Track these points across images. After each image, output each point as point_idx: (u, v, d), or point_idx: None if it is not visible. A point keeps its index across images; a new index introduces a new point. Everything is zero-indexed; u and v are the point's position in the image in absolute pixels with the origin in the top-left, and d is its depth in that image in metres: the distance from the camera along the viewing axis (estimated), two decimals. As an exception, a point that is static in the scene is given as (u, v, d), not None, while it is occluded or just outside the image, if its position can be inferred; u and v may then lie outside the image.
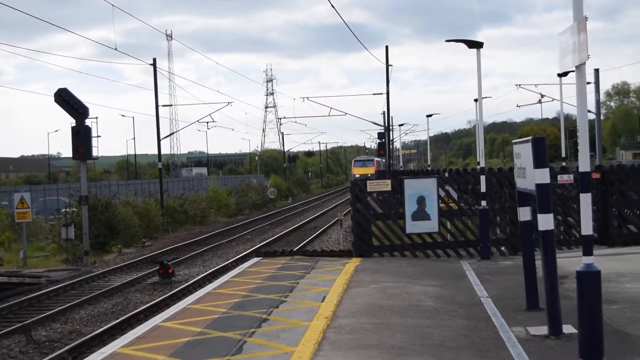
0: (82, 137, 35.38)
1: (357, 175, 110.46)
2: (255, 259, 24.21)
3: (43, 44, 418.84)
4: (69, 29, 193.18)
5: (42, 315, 22.58)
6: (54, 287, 28.04)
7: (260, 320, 14.26)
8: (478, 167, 25.66)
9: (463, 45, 23.48)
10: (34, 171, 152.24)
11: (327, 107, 69.96)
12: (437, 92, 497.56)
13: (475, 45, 23.21)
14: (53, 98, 35.32)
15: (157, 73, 57.67)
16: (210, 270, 30.82)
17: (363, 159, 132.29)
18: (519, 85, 66.13)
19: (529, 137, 12.96)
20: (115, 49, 48.39)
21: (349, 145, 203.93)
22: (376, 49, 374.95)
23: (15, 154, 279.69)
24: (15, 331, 20.65)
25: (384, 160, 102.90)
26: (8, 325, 21.93)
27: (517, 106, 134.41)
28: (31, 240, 43.38)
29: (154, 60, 57.70)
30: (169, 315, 15.31)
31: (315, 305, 15.60)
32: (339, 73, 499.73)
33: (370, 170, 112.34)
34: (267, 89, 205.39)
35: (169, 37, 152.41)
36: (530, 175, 12.96)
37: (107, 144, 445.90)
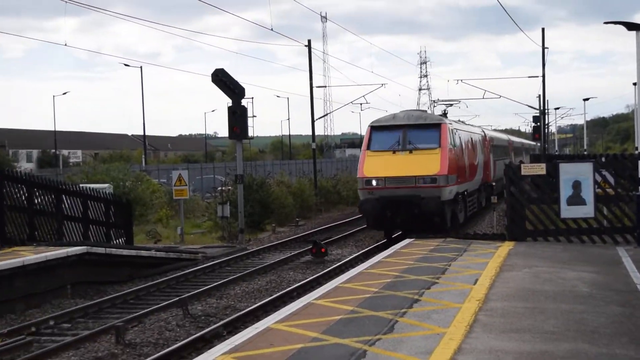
0: (238, 117, 35.95)
1: (370, 181, 32.44)
2: (407, 240, 24.25)
3: (199, 26, 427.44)
4: (225, 11, 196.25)
5: (198, 290, 23.16)
6: (210, 263, 28.72)
7: (412, 301, 14.31)
8: (636, 152, 25.04)
9: (621, 28, 22.93)
10: (192, 150, 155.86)
11: (480, 90, 68.74)
12: (594, 76, 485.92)
13: (635, 27, 22.65)
14: (210, 78, 36.00)
15: (312, 54, 58.24)
16: (362, 251, 31.00)
17: (396, 122, 34.16)
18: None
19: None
20: (272, 29, 49.12)
21: (503, 128, 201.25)
22: (530, 31, 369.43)
23: (173, 132, 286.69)
24: (173, 305, 21.26)
25: (484, 133, 47.57)
26: (166, 298, 22.59)
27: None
28: (188, 217, 44.50)
29: (309, 41, 58.28)
30: (322, 294, 15.51)
31: (467, 288, 15.56)
32: (492, 55, 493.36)
33: (429, 161, 32.51)
34: (421, 71, 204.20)
35: (324, 18, 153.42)
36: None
37: (262, 125, 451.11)
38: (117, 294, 23.27)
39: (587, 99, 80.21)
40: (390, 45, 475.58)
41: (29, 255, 22.60)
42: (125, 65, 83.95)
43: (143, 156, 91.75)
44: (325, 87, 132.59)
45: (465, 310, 13.42)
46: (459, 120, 44.05)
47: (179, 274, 26.60)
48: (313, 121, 58.49)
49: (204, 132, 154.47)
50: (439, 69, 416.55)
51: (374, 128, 34.40)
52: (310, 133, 60.22)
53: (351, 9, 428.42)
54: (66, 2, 34.09)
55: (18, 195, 26.39)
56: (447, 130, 33.71)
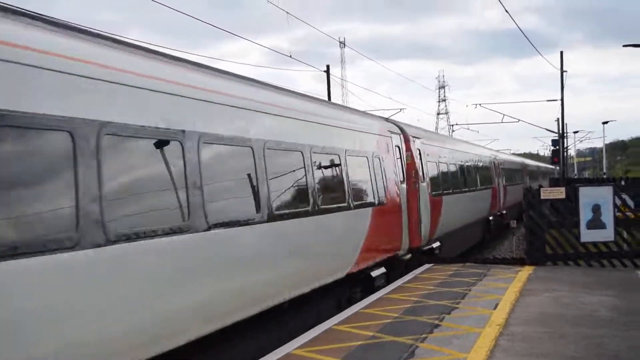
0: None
1: None
2: (426, 266, 24.23)
3: (215, 53, 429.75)
4: (242, 38, 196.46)
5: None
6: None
7: (432, 326, 14.32)
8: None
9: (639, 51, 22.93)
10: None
11: (499, 114, 68.17)
12: (613, 99, 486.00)
13: (654, 50, 22.63)
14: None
15: (330, 80, 58.29)
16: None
17: None
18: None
19: None
20: (290, 56, 49.31)
21: (522, 152, 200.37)
22: (547, 54, 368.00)
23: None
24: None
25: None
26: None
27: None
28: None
29: (327, 67, 58.34)
30: (342, 319, 15.52)
31: (488, 313, 15.56)
32: (510, 79, 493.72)
33: None
34: (440, 96, 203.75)
35: (342, 44, 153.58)
36: None
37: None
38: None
39: (606, 122, 79.72)
40: (408, 70, 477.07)
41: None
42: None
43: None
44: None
45: (486, 335, 13.42)
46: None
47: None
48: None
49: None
50: (457, 93, 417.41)
51: None
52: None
53: (368, 34, 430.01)
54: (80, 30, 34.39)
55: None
56: None
